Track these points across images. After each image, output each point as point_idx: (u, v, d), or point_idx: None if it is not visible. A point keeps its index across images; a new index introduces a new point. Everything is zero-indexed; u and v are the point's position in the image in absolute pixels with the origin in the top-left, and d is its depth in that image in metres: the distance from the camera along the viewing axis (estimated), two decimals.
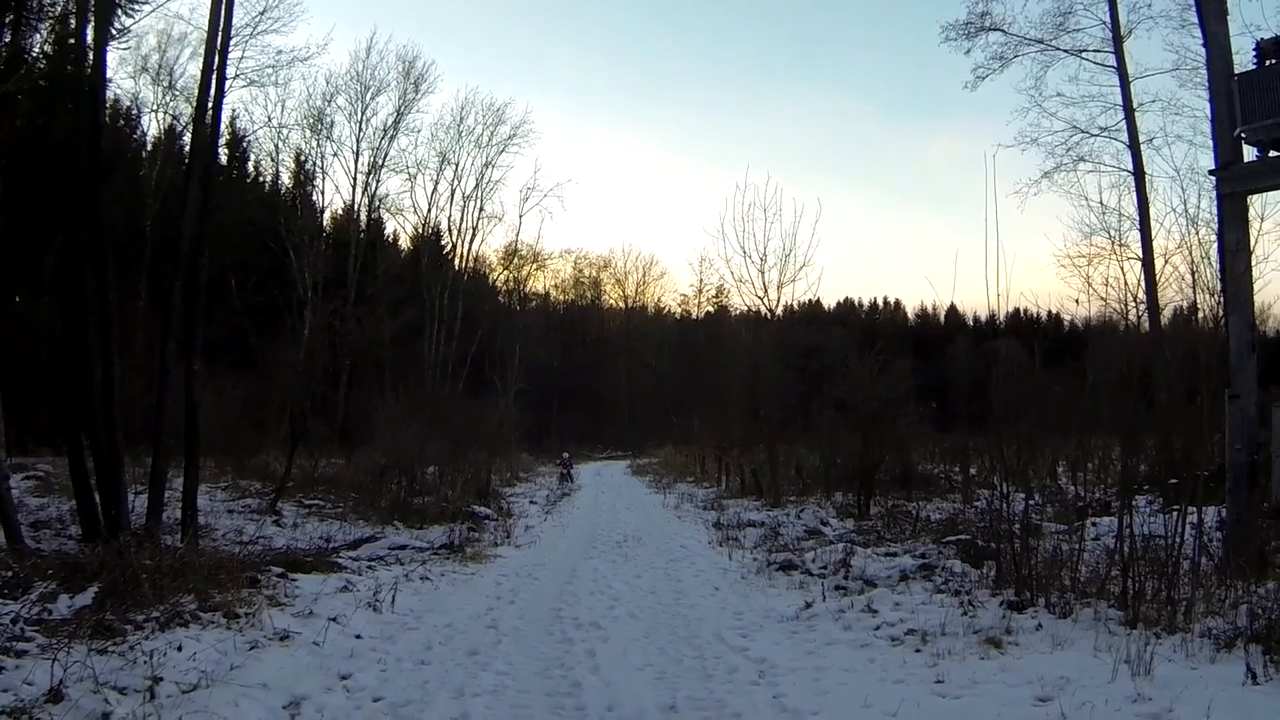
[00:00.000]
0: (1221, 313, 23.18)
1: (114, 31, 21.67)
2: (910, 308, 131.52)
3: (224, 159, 55.26)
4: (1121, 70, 36.95)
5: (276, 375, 42.62)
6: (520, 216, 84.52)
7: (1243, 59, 19.11)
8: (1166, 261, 35.82)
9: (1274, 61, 17.51)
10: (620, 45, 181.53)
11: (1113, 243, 37.74)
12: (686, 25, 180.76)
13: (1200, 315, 35.24)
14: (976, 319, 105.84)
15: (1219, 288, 26.05)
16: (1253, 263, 19.85)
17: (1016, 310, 32.27)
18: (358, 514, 28.76)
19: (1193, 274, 34.99)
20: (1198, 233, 34.75)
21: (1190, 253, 35.10)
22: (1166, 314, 36.88)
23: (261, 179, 65.86)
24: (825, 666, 12.21)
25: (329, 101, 63.15)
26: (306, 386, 40.27)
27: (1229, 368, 18.13)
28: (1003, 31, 39.28)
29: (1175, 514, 14.72)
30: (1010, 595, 14.86)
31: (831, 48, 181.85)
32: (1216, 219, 20.24)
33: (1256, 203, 25.29)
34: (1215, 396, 21.50)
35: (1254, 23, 28.38)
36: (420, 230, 70.66)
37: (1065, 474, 30.27)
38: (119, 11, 21.86)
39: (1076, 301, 38.87)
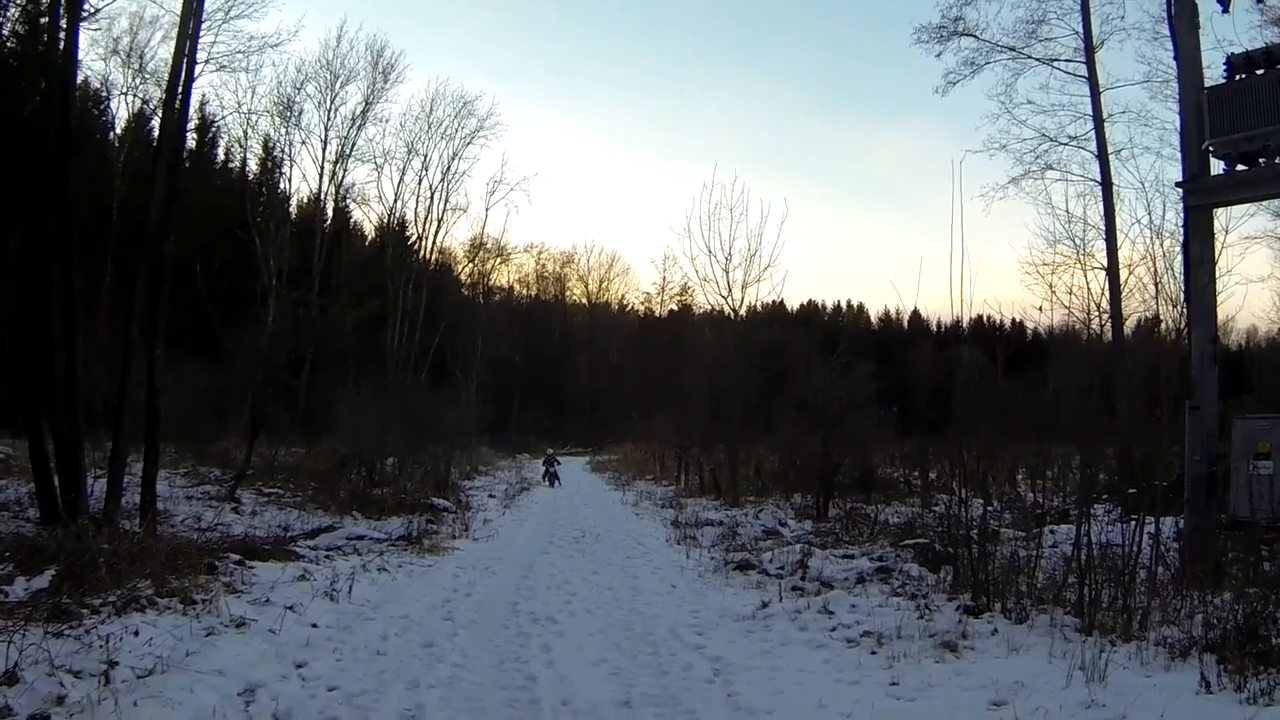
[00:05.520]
0: (1184, 324, 23.29)
1: (85, 12, 21.56)
2: (874, 311, 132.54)
3: (192, 144, 55.04)
4: (1092, 80, 37.00)
5: (239, 362, 42.52)
6: (486, 209, 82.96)
7: (1213, 73, 19.20)
8: (1131, 272, 36.06)
9: (1244, 76, 17.60)
10: (589, 40, 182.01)
11: (1077, 252, 37.96)
12: (656, 21, 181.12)
13: (1164, 326, 35.48)
14: (940, 324, 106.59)
15: (1182, 299, 26.18)
16: (1216, 275, 19.99)
17: (979, 317, 32.57)
18: (316, 503, 28.73)
19: (1156, 285, 35.29)
20: (1162, 244, 35.04)
21: (1154, 264, 35.41)
22: (1130, 324, 37.07)
23: (229, 165, 65.78)
24: (780, 666, 12.23)
25: (299, 89, 62.69)
26: (269, 374, 40.22)
27: (1190, 379, 18.24)
28: (975, 37, 39.32)
29: (1133, 523, 14.79)
30: (967, 600, 14.92)
31: (802, 47, 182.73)
32: (1182, 231, 20.35)
33: (1221, 216, 25.52)
34: (1176, 407, 21.56)
35: (1226, 37, 28.50)
36: (386, 221, 70.30)
37: (1025, 481, 30.43)
38: None
39: (1040, 309, 39.00)
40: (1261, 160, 17.49)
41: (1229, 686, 10.02)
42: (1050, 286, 37.98)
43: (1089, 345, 39.29)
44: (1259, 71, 17.42)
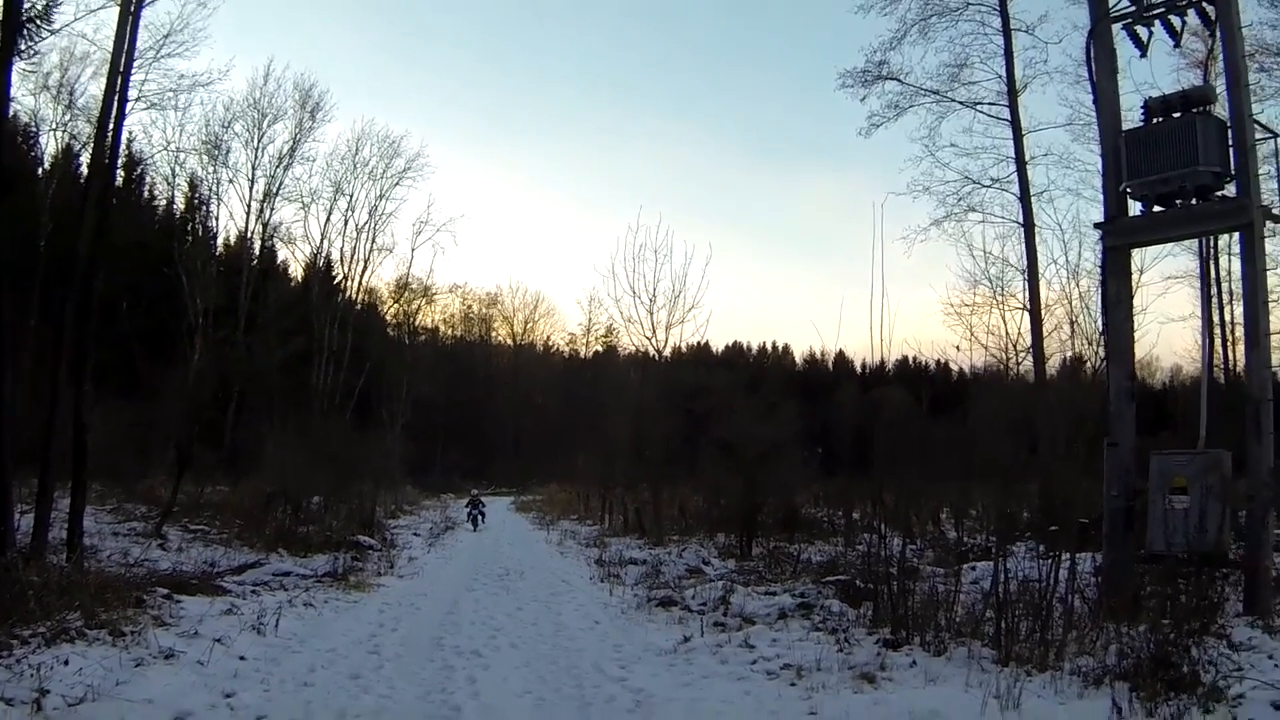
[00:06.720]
0: (1103, 363, 23.61)
1: (20, 51, 21.56)
2: (799, 353, 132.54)
3: (120, 181, 54.65)
4: (1015, 123, 37.14)
5: (165, 400, 42.27)
6: (412, 250, 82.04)
7: (1132, 116, 19.51)
8: (1049, 312, 36.32)
9: (1161, 120, 17.91)
10: (515, 83, 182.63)
11: (996, 292, 38.24)
12: (581, 67, 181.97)
13: (1087, 365, 35.86)
14: (865, 365, 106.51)
15: (1100, 338, 26.53)
16: (1133, 314, 20.33)
17: (904, 358, 32.74)
18: (242, 540, 28.73)
19: (1072, 324, 35.71)
20: (1079, 284, 35.44)
21: (1071, 304, 35.83)
22: (1053, 364, 37.38)
23: (156, 202, 65.11)
24: (702, 698, 12.34)
25: (226, 128, 61.82)
26: (194, 413, 40.02)
27: (1108, 416, 18.52)
28: (899, 81, 39.31)
29: (1052, 559, 15.05)
30: (886, 634, 15.04)
31: (724, 91, 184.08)
32: (1100, 271, 20.63)
33: (1138, 256, 25.79)
34: (1095, 445, 21.82)
35: (1145, 81, 28.90)
36: (312, 260, 69.81)
37: (948, 520, 30.64)
38: (25, 31, 21.77)
39: (957, 348, 39.11)
40: (1178, 201, 17.82)
41: (1140, 712, 10.22)
42: (970, 327, 38.35)
43: (1011, 385, 39.61)
44: (1175, 115, 17.72)
